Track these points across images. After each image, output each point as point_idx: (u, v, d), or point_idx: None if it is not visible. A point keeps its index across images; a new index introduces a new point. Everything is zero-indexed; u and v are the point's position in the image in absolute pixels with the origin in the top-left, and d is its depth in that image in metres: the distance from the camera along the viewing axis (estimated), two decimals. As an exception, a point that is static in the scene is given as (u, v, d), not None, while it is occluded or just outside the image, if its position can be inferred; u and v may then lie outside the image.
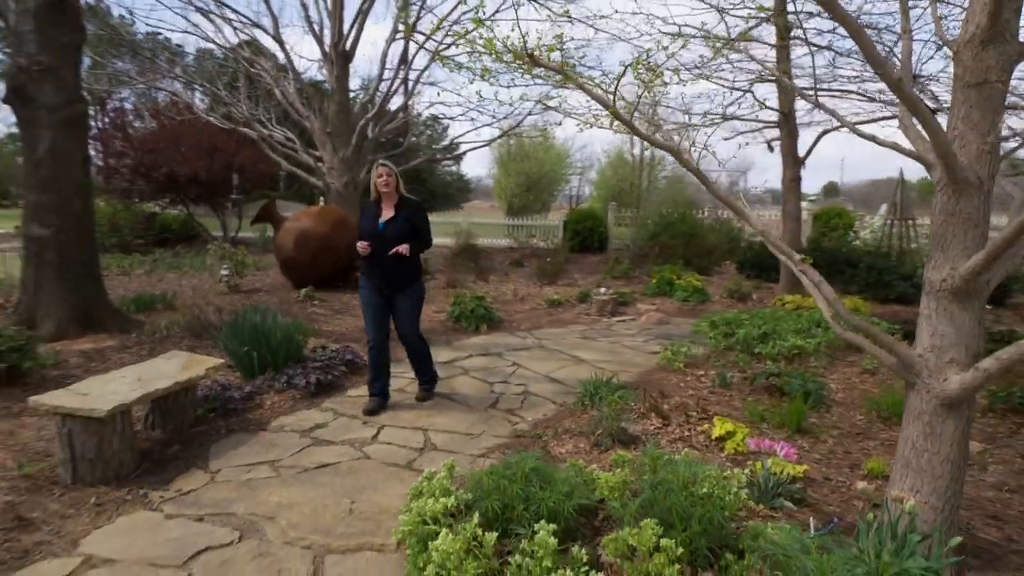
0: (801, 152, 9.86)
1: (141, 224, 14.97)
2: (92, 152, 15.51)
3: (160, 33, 24.24)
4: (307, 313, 7.85)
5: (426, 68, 14.20)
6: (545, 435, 3.98)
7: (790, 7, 8.28)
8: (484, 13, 2.38)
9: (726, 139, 12.82)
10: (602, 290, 9.27)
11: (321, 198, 15.43)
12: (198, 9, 12.23)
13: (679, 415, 4.20)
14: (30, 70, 5.67)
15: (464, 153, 25.87)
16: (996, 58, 2.22)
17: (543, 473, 2.62)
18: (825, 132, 10.09)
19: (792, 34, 9.16)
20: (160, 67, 15.87)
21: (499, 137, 16.38)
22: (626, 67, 2.50)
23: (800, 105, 9.85)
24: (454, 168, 43.11)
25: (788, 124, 9.71)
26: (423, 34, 13.03)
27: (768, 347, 5.57)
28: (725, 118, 10.62)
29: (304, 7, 12.88)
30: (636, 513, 2.37)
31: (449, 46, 13.00)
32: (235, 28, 12.99)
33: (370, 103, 13.91)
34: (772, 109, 9.96)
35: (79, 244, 6.09)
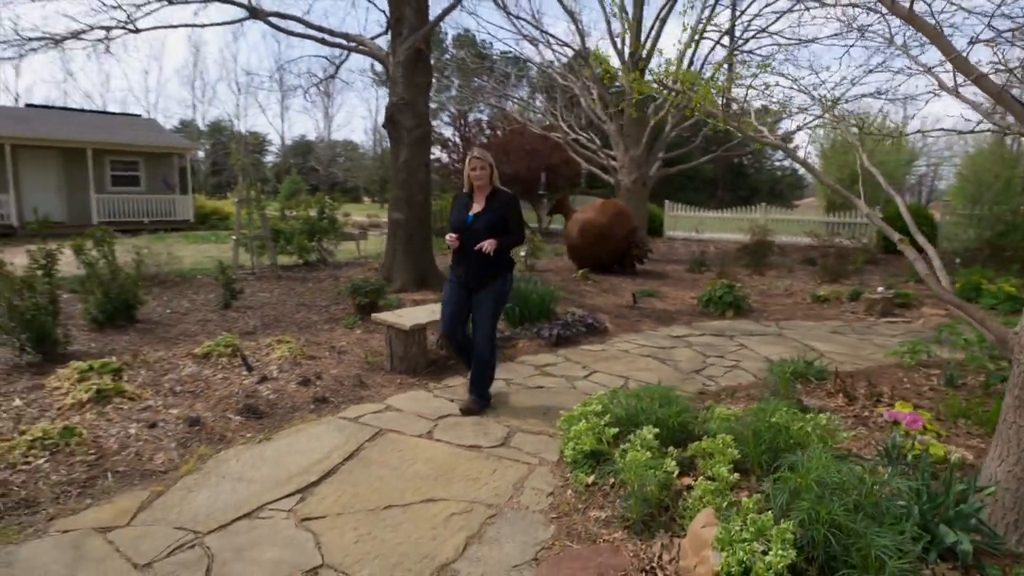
0: None
1: (472, 215, 18.54)
2: (448, 158, 19.79)
3: (512, 52, 28.84)
4: (579, 289, 9.29)
5: (721, 65, 14.51)
6: (723, 395, 4.57)
7: None
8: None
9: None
10: (880, 290, 8.67)
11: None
12: (524, 37, 14.80)
13: (869, 400, 4.33)
14: (398, 104, 8.19)
15: (766, 145, 24.76)
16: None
17: (668, 398, 3.42)
18: None
19: None
20: (508, 85, 19.36)
21: (796, 131, 15.64)
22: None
23: None
24: (785, 162, 40.47)
25: None
26: (717, 29, 13.45)
27: (1034, 355, 4.96)
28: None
29: (608, 22, 14.47)
30: (722, 431, 3.03)
31: (747, 40, 13.20)
32: (553, 51, 15.27)
33: (662, 103, 14.84)
34: None
35: (420, 227, 8.52)
